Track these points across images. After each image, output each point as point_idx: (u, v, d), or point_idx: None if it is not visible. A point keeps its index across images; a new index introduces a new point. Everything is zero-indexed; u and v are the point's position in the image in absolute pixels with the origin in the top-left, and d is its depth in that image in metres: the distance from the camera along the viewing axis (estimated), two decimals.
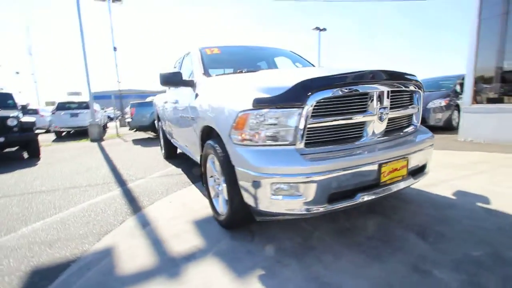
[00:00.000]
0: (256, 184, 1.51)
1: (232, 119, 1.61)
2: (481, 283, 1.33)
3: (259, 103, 1.49)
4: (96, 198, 2.98)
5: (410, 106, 1.91)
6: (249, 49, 3.09)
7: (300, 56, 3.29)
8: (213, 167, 2.12)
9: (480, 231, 1.79)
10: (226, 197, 1.89)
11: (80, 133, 10.63)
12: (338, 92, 1.47)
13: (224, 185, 1.90)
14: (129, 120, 7.88)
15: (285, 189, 1.47)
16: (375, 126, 1.68)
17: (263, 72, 2.42)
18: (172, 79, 2.56)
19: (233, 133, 1.62)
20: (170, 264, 1.67)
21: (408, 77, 1.82)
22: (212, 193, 2.24)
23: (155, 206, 2.64)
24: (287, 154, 1.48)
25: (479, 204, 2.19)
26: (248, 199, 1.63)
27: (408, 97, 1.89)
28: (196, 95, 2.28)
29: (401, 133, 1.89)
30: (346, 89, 1.49)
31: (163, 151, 5.01)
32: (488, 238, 1.71)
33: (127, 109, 10.27)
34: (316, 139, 1.55)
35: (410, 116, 1.97)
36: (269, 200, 1.51)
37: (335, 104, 1.53)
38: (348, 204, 1.54)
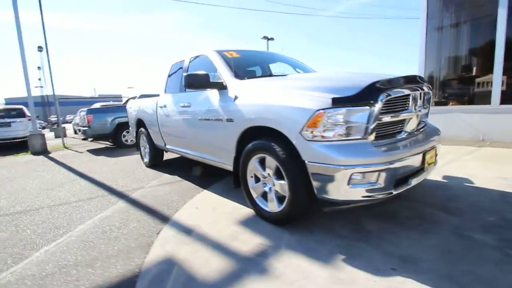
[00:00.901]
0: (336, 176, 1.65)
1: (305, 118, 1.72)
2: (507, 237, 1.73)
3: (337, 102, 1.65)
4: (105, 212, 2.67)
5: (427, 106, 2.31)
6: (260, 54, 3.20)
7: (302, 63, 3.54)
8: (259, 167, 2.17)
9: (481, 203, 2.27)
10: (284, 194, 1.97)
11: (12, 146, 8.90)
12: (401, 91, 1.74)
13: (281, 181, 1.98)
14: (85, 128, 6.98)
15: (363, 178, 1.65)
16: (412, 122, 2.01)
17: (312, 75, 2.55)
18: (200, 81, 2.52)
19: (306, 130, 1.74)
20: (250, 262, 1.67)
21: (426, 81, 2.22)
22: (255, 194, 2.28)
23: (182, 214, 2.52)
24: (364, 146, 1.68)
25: (467, 184, 2.74)
26: (321, 191, 1.75)
27: (427, 98, 2.29)
28: (235, 97, 2.30)
29: (422, 128, 2.27)
30: (405, 89, 1.77)
31: (145, 159, 4.66)
32: (490, 207, 2.19)
33: (54, 117, 8.94)
34: (377, 134, 1.79)
35: (426, 114, 2.37)
36: (346, 190, 1.67)
37: (392, 103, 1.80)
38: (405, 189, 1.81)
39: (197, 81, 2.52)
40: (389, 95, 1.72)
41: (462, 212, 2.12)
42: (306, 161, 1.77)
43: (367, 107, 1.66)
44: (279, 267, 1.60)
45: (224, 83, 2.50)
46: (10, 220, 2.61)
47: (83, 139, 7.46)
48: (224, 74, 2.54)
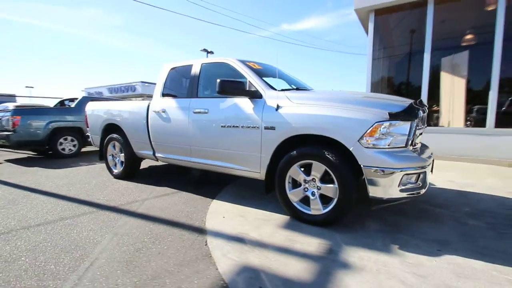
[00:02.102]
0: (390, 177, 1.97)
1: (365, 128, 2.00)
2: (488, 221, 2.37)
3: (392, 116, 2.00)
4: (116, 229, 2.28)
5: None
6: (272, 68, 3.37)
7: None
8: (302, 172, 2.32)
9: (452, 199, 2.98)
10: (332, 196, 2.18)
11: None
12: (422, 111, 2.22)
13: (329, 185, 2.19)
14: (9, 133, 5.50)
15: (409, 179, 2.02)
16: (418, 136, 2.54)
17: (354, 93, 2.71)
18: (235, 88, 2.54)
19: (363, 139, 2.02)
20: (327, 260, 1.78)
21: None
22: (294, 198, 2.40)
23: (213, 224, 2.40)
24: (408, 153, 2.05)
25: (432, 186, 3.51)
26: (374, 191, 2.04)
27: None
28: (278, 107, 2.40)
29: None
30: (421, 110, 2.27)
31: (116, 170, 4.09)
32: (460, 201, 2.91)
33: None
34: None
35: None
36: (397, 189, 2.01)
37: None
38: (426, 189, 2.26)
39: (232, 88, 2.53)
40: (422, 114, 2.18)
41: (447, 206, 2.76)
42: (362, 165, 2.04)
43: (410, 122, 2.07)
44: (355, 261, 1.77)
45: (258, 92, 2.58)
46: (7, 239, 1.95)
47: (8, 147, 5.85)
48: (258, 84, 2.62)
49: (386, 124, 2.00)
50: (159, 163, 5.07)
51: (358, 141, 2.04)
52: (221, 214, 2.62)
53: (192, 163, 3.17)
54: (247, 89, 2.60)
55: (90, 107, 4.49)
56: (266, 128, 2.46)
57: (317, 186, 2.28)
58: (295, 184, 2.43)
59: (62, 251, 1.93)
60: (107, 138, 4.12)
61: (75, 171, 4.67)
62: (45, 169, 4.91)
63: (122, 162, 4.04)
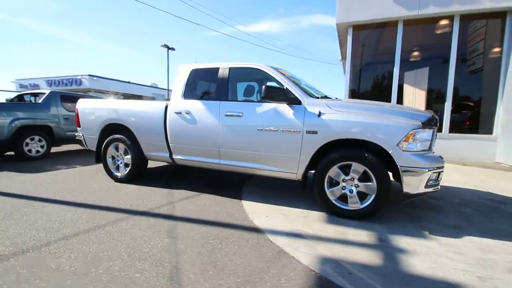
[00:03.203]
0: (422, 175, 2.37)
1: (403, 134, 2.37)
2: (478, 209, 2.98)
3: (423, 124, 2.40)
4: (174, 232, 2.23)
5: None
6: (295, 75, 3.58)
7: None
8: (341, 173, 2.60)
9: (452, 193, 3.60)
10: (370, 193, 2.51)
11: None
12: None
13: (367, 183, 2.51)
14: None
15: (433, 177, 2.46)
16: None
17: (389, 105, 3.05)
18: (279, 94, 2.71)
19: (401, 143, 2.38)
20: (384, 247, 2.08)
21: None
22: (332, 196, 2.66)
23: (262, 223, 2.52)
24: (432, 155, 2.49)
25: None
26: (408, 187, 2.42)
27: None
28: (320, 113, 2.63)
29: None
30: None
31: (118, 173, 3.84)
32: (449, 194, 3.53)
33: None
34: None
35: None
36: (425, 185, 2.42)
37: None
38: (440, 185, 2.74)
39: (276, 94, 2.70)
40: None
41: (441, 199, 3.33)
42: (399, 166, 2.41)
43: (432, 129, 2.51)
44: (405, 246, 2.11)
45: (297, 99, 2.78)
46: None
47: None
48: (296, 91, 2.81)
49: (419, 131, 2.40)
50: (151, 165, 4.89)
51: (397, 145, 2.40)
52: (262, 213, 2.75)
53: (219, 165, 3.20)
54: (290, 96, 2.78)
55: (84, 104, 4.10)
56: (308, 132, 2.68)
57: (356, 184, 2.58)
58: (331, 183, 2.70)
59: (133, 258, 1.85)
60: (108, 139, 3.83)
61: (61, 175, 4.21)
62: (20, 173, 4.30)
63: (126, 165, 3.81)
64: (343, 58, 10.11)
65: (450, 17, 6.07)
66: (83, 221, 2.47)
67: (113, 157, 3.92)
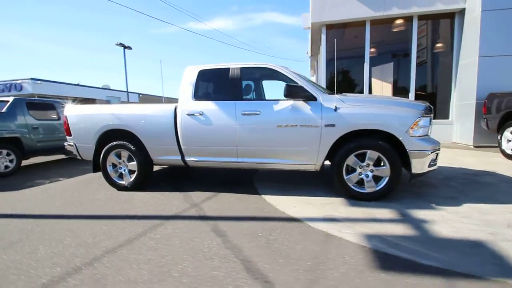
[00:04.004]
0: (427, 157, 2.77)
1: (411, 122, 2.73)
2: (460, 182, 3.53)
3: (424, 112, 2.79)
4: (219, 232, 2.28)
5: None
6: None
7: None
8: (358, 160, 2.90)
9: (438, 170, 4.14)
10: (383, 176, 2.84)
11: None
12: None
13: (381, 168, 2.84)
14: None
15: (434, 157, 2.87)
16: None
17: (394, 98, 3.35)
18: (298, 91, 2.91)
19: (409, 130, 2.74)
20: (408, 221, 2.41)
21: None
22: (350, 182, 2.95)
23: (295, 213, 2.69)
24: (432, 139, 2.90)
25: None
26: (415, 169, 2.79)
27: None
28: (336, 108, 2.87)
29: None
30: None
31: (122, 182, 3.66)
32: (439, 172, 4.07)
33: None
34: None
35: None
36: (428, 165, 2.82)
37: None
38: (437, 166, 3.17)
39: (295, 92, 2.90)
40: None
41: (427, 176, 3.85)
42: (408, 150, 2.77)
43: (429, 116, 2.92)
44: (425, 218, 2.47)
45: (313, 96, 2.98)
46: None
47: None
48: (310, 88, 3.01)
49: (422, 118, 2.79)
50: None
51: (406, 132, 2.76)
52: (288, 205, 2.92)
53: (237, 163, 3.28)
54: (307, 93, 2.97)
55: (74, 111, 3.79)
56: (326, 125, 2.91)
57: (371, 169, 2.89)
58: (348, 170, 2.98)
59: (199, 258, 1.89)
60: (108, 147, 3.62)
61: (50, 190, 3.85)
62: None
63: (131, 172, 3.65)
64: (314, 54, 10.66)
65: (410, 17, 6.86)
66: (117, 232, 2.37)
67: (114, 165, 3.71)
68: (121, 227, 2.48)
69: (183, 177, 4.33)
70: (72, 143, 3.84)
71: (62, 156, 7.35)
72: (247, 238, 2.17)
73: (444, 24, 7.03)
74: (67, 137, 3.88)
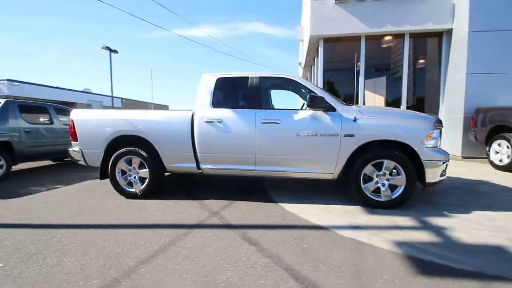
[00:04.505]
0: (439, 167, 2.93)
1: (426, 133, 2.88)
2: (463, 191, 3.74)
3: (435, 125, 2.96)
4: (251, 239, 2.27)
5: None
6: None
7: None
8: (375, 169, 3.01)
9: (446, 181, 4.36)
10: (399, 184, 2.97)
11: None
12: None
13: (397, 177, 2.97)
14: None
15: (444, 167, 3.04)
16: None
17: (408, 111, 3.52)
18: (320, 102, 3.00)
19: (424, 141, 2.90)
20: (429, 228, 2.53)
21: None
22: (367, 191, 3.04)
23: (318, 221, 2.73)
24: (442, 150, 3.07)
25: None
26: (429, 178, 2.94)
27: None
28: (355, 119, 2.98)
29: None
30: None
31: (134, 189, 3.54)
32: (444, 182, 4.30)
33: None
34: None
35: None
36: (440, 175, 2.98)
37: None
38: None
39: (318, 102, 3.00)
40: None
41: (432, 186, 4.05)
42: (423, 160, 2.92)
43: (440, 128, 3.11)
44: (444, 225, 2.59)
45: (332, 106, 3.08)
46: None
47: None
48: (331, 100, 3.11)
49: (434, 131, 2.96)
50: None
51: (421, 143, 2.91)
52: (309, 213, 2.95)
53: (254, 171, 3.29)
54: (328, 104, 3.06)
55: (83, 116, 3.65)
56: (346, 135, 3.01)
57: (387, 178, 3.01)
58: (364, 179, 3.08)
59: (240, 268, 1.86)
60: (117, 153, 3.50)
61: (51, 198, 3.64)
62: None
63: (141, 179, 3.55)
64: (308, 65, 10.97)
65: (402, 35, 7.29)
66: (144, 241, 2.29)
67: (123, 172, 3.59)
68: (145, 236, 2.40)
69: (187, 185, 4.26)
70: (78, 149, 3.68)
71: (49, 162, 7.00)
72: (281, 247, 2.18)
73: (432, 42, 7.53)
74: (72, 142, 3.72)
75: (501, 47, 6.08)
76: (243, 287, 1.67)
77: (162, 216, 2.90)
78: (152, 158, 3.46)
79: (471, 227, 2.52)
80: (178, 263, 1.94)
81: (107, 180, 3.61)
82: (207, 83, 3.44)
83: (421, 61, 8.33)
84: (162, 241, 2.29)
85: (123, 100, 36.74)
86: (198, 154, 3.37)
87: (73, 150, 3.74)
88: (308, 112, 3.12)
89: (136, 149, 3.47)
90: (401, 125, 2.96)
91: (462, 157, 6.52)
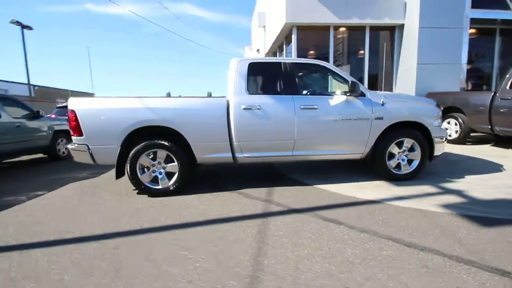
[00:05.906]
0: (444, 142, 3.55)
1: (435, 114, 3.44)
2: (446, 162, 4.58)
3: (439, 107, 3.55)
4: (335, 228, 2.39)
5: None
6: None
7: None
8: (397, 147, 3.45)
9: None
10: (415, 159, 3.49)
11: None
12: None
13: (414, 152, 3.48)
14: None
15: (446, 143, 3.70)
16: None
17: (415, 97, 3.98)
18: (358, 88, 3.21)
19: (434, 121, 3.45)
20: (448, 193, 3.09)
21: None
22: (391, 166, 3.49)
23: (362, 196, 3.01)
24: (443, 129, 3.71)
25: None
26: (437, 151, 3.53)
27: None
28: (383, 103, 3.31)
29: None
30: None
31: (160, 186, 3.20)
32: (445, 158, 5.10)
33: None
34: None
35: None
36: (442, 149, 3.62)
37: None
38: None
39: (356, 88, 3.20)
40: None
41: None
42: (434, 137, 3.48)
43: (441, 110, 3.73)
44: (458, 188, 3.20)
45: (363, 92, 3.36)
46: None
47: None
48: (361, 86, 3.37)
49: (440, 111, 3.55)
50: None
51: (431, 123, 3.46)
52: (348, 190, 3.22)
53: (292, 156, 3.37)
54: (359, 90, 3.31)
55: (86, 104, 3.04)
56: (376, 118, 3.34)
57: (406, 154, 3.50)
58: (388, 156, 3.51)
59: (359, 244, 1.99)
60: (139, 146, 3.08)
61: (51, 208, 3.00)
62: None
63: (168, 174, 3.22)
64: (271, 52, 11.14)
65: (363, 27, 8.09)
66: (235, 235, 2.17)
67: (145, 169, 3.19)
68: (228, 230, 2.28)
69: (206, 176, 4.05)
70: (83, 145, 3.07)
71: None
72: (364, 222, 2.38)
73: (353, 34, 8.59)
74: (74, 137, 3.09)
75: (439, 42, 7.41)
76: (377, 258, 1.81)
77: (215, 210, 2.74)
78: (182, 150, 3.17)
79: (476, 188, 3.18)
80: (293, 250, 1.95)
81: (101, 180, 3.16)
82: (240, 69, 3.27)
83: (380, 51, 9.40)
84: (253, 232, 2.22)
85: (36, 88, 30.64)
86: (234, 143, 3.24)
87: (74, 148, 3.11)
88: (341, 98, 3.33)
89: (162, 142, 3.12)
90: (421, 107, 3.46)
91: None
